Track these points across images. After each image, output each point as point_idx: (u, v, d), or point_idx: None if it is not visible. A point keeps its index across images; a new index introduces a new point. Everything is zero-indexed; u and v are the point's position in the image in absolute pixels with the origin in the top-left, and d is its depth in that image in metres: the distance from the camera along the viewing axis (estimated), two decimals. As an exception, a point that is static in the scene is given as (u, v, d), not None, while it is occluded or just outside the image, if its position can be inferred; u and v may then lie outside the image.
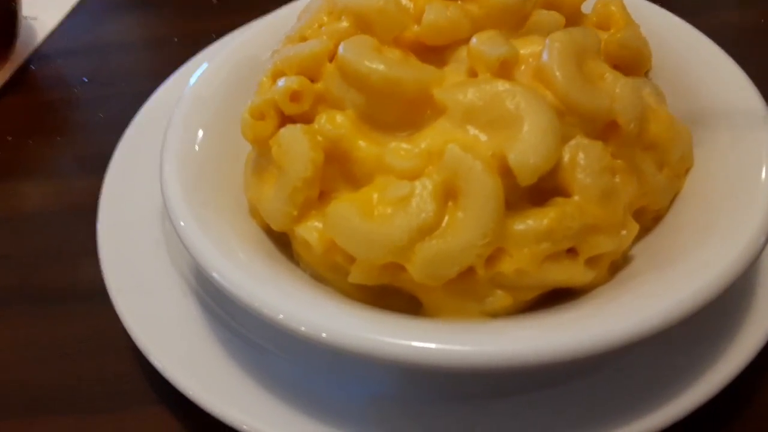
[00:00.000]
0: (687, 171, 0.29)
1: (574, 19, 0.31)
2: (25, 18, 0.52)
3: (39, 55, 0.52)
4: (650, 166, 0.27)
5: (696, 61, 0.32)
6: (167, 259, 0.32)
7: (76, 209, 0.40)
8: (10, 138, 0.45)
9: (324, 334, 0.23)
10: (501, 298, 0.24)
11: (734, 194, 0.26)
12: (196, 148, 0.30)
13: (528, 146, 0.23)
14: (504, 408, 0.26)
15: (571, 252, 0.25)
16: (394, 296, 0.26)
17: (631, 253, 0.27)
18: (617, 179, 0.25)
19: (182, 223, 0.26)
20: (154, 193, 0.35)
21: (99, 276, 0.35)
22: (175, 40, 0.51)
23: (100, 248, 0.33)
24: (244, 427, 0.26)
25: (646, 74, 0.32)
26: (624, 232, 0.25)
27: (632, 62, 0.30)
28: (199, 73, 0.32)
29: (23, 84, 0.50)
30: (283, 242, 0.28)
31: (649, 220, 0.28)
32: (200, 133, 0.30)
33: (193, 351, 0.29)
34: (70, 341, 0.34)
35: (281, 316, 0.24)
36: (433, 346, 0.22)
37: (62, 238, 0.40)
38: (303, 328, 0.24)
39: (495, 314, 0.25)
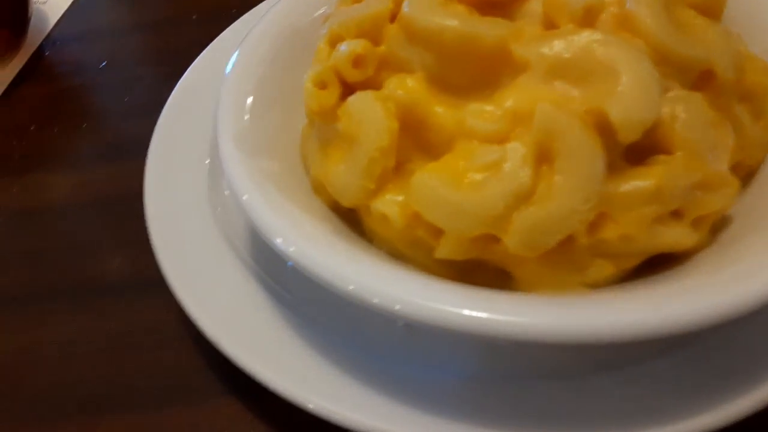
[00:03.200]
0: (777, 123, 0.27)
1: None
2: (35, 2, 0.50)
3: (52, 40, 0.50)
4: (746, 118, 0.25)
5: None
6: (224, 246, 0.30)
7: (110, 199, 0.39)
8: (33, 127, 0.43)
9: (397, 306, 0.22)
10: (602, 268, 0.23)
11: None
12: (251, 126, 0.28)
13: (630, 99, 0.21)
14: (598, 385, 0.25)
15: (675, 214, 0.23)
16: (480, 271, 0.24)
17: (728, 213, 0.25)
18: (718, 132, 0.23)
19: (246, 197, 0.25)
20: (198, 178, 0.34)
21: (146, 267, 0.33)
22: (194, 17, 0.49)
23: (153, 238, 0.31)
24: (331, 414, 0.25)
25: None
26: (728, 190, 0.23)
27: (709, 7, 0.27)
28: (245, 46, 0.30)
29: (39, 71, 0.48)
30: (350, 220, 0.27)
31: (742, 175, 0.26)
32: (253, 110, 0.28)
33: (263, 338, 0.27)
34: (123, 335, 0.32)
35: (352, 287, 0.22)
36: (545, 320, 0.20)
37: (98, 229, 0.38)
38: (376, 300, 0.22)
39: (595, 285, 0.23)
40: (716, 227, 0.25)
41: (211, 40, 0.40)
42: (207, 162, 0.34)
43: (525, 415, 0.25)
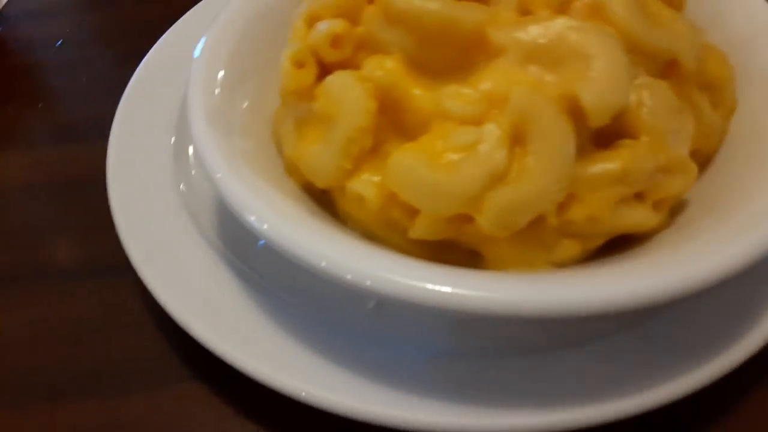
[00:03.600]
0: (732, 112, 0.28)
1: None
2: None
3: (4, 17, 0.48)
4: (706, 106, 0.26)
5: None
6: (191, 227, 0.30)
7: (66, 181, 0.38)
8: (-15, 106, 0.42)
9: (369, 282, 0.22)
10: (569, 247, 0.23)
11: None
12: (222, 104, 0.27)
13: (601, 84, 0.22)
14: (564, 360, 0.26)
15: (638, 196, 0.24)
16: (452, 251, 0.25)
17: (685, 197, 0.26)
18: (680, 119, 0.24)
19: (219, 176, 0.25)
20: (163, 159, 0.33)
21: (105, 251, 0.33)
22: (157, -4, 0.48)
23: (117, 220, 0.30)
24: (303, 394, 0.25)
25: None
26: (687, 174, 0.24)
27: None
28: (217, 24, 0.30)
29: (-10, 49, 0.46)
30: (323, 203, 0.27)
31: (700, 161, 0.27)
32: (224, 88, 0.28)
33: (232, 320, 0.27)
34: (85, 319, 0.31)
35: (324, 263, 0.22)
36: (517, 296, 0.21)
37: (54, 212, 0.37)
38: (348, 276, 0.22)
39: (561, 264, 0.24)
40: (674, 210, 0.26)
41: (171, 19, 0.40)
42: (172, 141, 0.34)
43: (492, 391, 0.26)
